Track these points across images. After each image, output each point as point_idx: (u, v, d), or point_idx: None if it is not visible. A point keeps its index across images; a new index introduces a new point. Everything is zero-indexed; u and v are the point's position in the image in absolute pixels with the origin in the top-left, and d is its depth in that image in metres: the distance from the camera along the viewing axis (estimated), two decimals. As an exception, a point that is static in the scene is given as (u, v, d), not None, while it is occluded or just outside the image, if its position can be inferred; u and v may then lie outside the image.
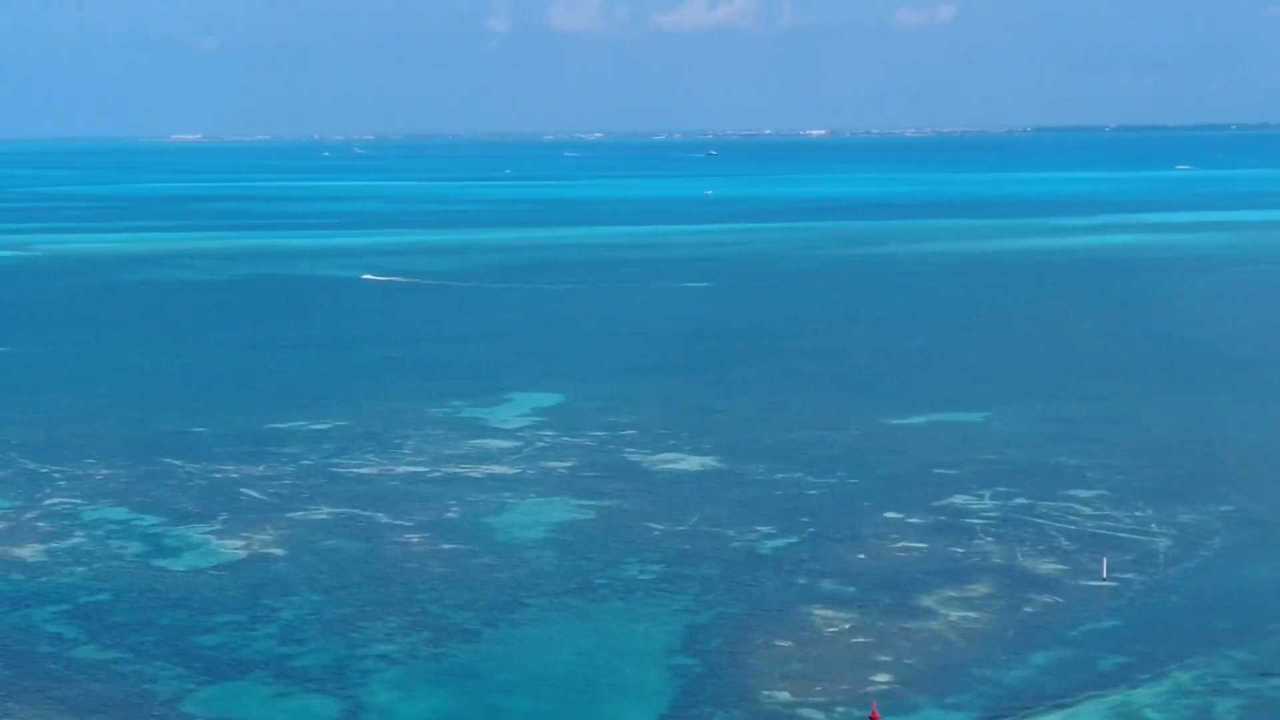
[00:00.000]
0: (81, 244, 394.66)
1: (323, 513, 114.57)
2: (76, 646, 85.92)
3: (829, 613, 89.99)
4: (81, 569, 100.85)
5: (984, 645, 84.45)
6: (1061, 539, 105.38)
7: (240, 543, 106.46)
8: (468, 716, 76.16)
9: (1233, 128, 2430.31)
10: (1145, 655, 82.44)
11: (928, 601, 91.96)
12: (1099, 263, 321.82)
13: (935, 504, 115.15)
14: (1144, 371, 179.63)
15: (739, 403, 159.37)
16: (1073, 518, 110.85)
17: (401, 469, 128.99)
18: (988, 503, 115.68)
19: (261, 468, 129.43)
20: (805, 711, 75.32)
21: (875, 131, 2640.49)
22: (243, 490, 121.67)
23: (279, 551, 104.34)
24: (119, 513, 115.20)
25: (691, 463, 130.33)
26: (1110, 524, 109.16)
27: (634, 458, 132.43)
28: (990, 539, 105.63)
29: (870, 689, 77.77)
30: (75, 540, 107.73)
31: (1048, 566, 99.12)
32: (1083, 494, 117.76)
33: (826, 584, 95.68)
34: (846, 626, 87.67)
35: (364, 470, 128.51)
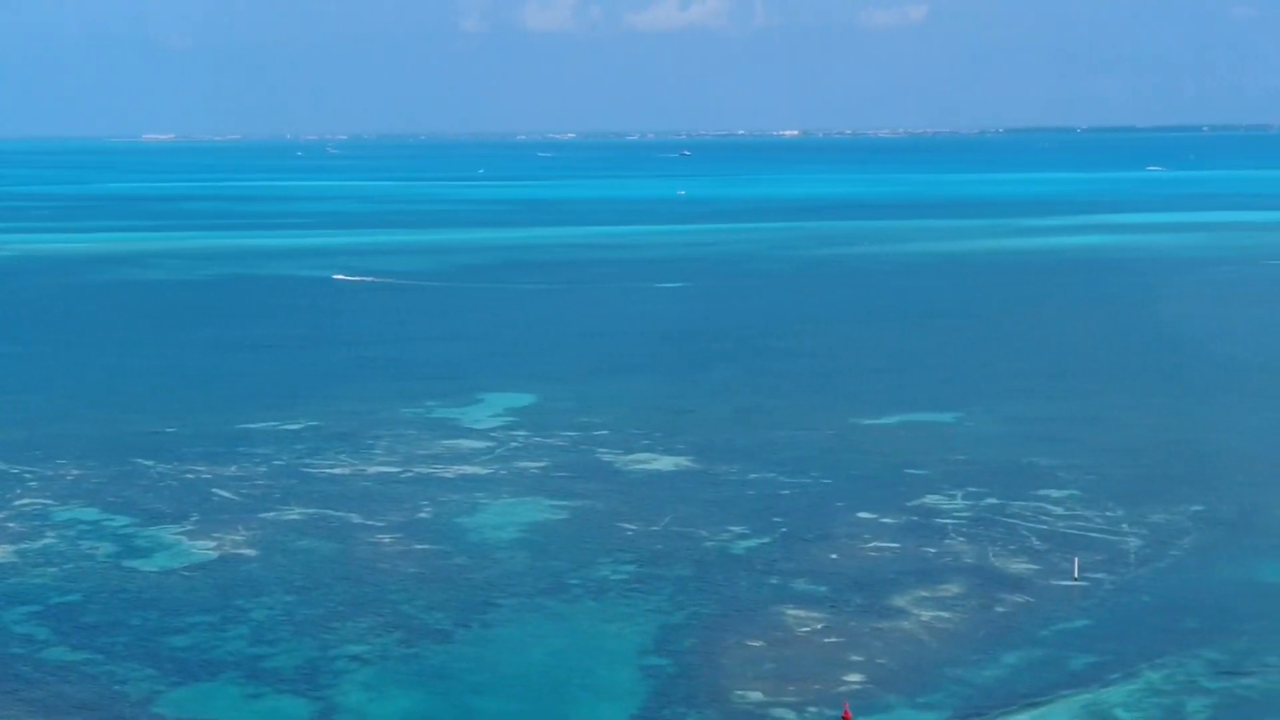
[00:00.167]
0: (52, 244, 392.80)
1: (295, 513, 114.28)
2: (47, 648, 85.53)
3: (801, 613, 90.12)
4: (52, 570, 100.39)
5: (956, 645, 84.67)
6: (1033, 539, 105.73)
7: (212, 543, 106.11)
8: (440, 717, 76.08)
9: (1204, 129, 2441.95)
10: (1116, 654, 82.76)
11: (900, 601, 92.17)
12: (1071, 263, 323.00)
13: (908, 504, 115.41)
14: (1116, 371, 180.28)
15: (712, 403, 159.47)
16: (1044, 518, 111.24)
17: (374, 469, 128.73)
18: (960, 503, 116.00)
19: (233, 468, 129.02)
20: (778, 711, 75.41)
21: (848, 132, 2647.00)
22: (214, 491, 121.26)
23: (251, 552, 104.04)
24: (90, 513, 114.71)
25: (664, 463, 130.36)
26: (1081, 524, 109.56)
27: (607, 458, 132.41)
28: (962, 539, 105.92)
29: (843, 689, 77.91)
30: (46, 541, 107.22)
31: (1019, 566, 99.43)
32: (1054, 494, 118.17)
33: (799, 584, 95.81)
34: (819, 626, 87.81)
35: (336, 470, 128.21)
